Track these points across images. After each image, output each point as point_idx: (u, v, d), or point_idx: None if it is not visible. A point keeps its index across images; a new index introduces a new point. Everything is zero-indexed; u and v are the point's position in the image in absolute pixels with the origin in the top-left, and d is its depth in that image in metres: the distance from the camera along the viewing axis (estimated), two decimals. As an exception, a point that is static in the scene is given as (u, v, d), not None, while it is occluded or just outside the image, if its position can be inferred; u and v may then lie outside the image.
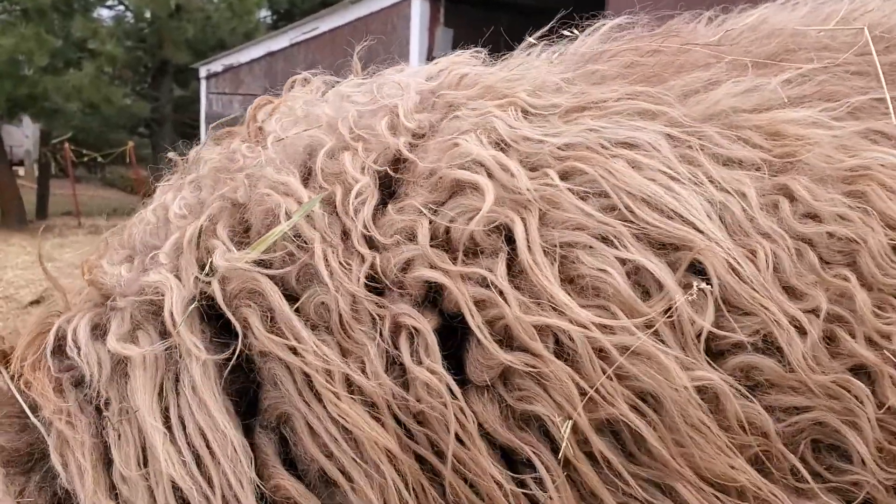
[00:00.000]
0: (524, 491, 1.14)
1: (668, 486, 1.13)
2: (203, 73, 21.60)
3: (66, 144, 20.56)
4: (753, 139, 1.31)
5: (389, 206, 1.26)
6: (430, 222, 1.22)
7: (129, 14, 25.10)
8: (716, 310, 1.15)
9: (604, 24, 1.63)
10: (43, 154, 22.77)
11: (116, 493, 1.21)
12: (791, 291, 1.19)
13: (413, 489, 1.14)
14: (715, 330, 1.14)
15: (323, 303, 1.20)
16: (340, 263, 1.20)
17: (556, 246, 1.18)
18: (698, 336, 1.14)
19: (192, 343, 1.21)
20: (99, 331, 1.33)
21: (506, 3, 13.43)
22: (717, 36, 1.58)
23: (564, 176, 1.24)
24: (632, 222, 1.19)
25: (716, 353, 1.17)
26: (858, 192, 1.26)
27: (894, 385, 1.17)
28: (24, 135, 28.87)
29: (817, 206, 1.23)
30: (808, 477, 1.15)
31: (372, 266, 1.21)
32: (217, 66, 21.13)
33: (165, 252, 1.34)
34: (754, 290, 1.16)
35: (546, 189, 1.21)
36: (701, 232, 1.18)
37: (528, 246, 1.16)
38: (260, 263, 1.25)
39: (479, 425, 1.15)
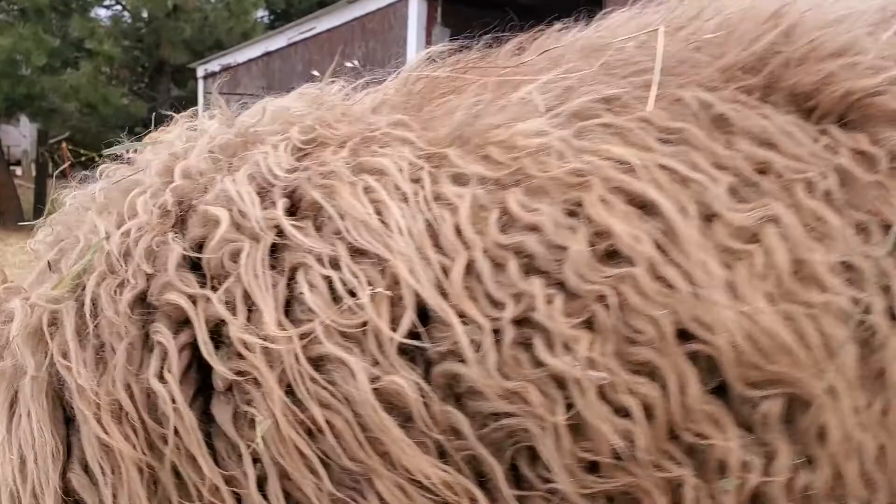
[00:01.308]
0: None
1: (368, 479, 1.26)
2: (200, 72, 21.61)
3: (64, 144, 20.55)
4: (493, 155, 1.39)
5: (157, 239, 1.43)
6: (183, 252, 1.40)
7: (126, 14, 25.12)
8: (421, 320, 1.27)
9: (429, 51, 1.76)
10: (40, 154, 22.75)
11: None
12: (491, 300, 1.27)
13: (149, 485, 1.33)
14: (404, 340, 1.26)
15: (98, 325, 1.39)
16: (111, 292, 1.39)
17: (283, 269, 1.34)
18: (392, 343, 1.26)
19: (27, 361, 1.40)
20: None
21: (503, 1, 13.44)
22: (523, 58, 1.67)
23: (311, 205, 1.40)
24: (350, 243, 1.33)
25: (429, 360, 1.28)
26: (576, 200, 1.31)
27: (581, 391, 1.23)
28: (21, 134, 28.82)
29: (527, 217, 1.30)
30: (503, 481, 1.24)
31: (141, 292, 1.39)
32: (214, 66, 21.14)
33: (28, 281, 1.58)
34: (443, 299, 1.27)
35: (276, 219, 1.37)
36: (394, 248, 1.30)
37: (253, 270, 1.33)
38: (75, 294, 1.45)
39: (218, 426, 1.32)
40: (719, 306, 1.23)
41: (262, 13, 27.65)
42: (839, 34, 1.45)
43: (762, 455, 1.25)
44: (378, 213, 1.34)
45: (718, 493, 1.25)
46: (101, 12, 24.26)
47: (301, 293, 1.30)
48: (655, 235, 1.28)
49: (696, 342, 1.24)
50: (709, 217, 1.30)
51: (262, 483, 1.30)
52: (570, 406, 1.23)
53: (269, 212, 1.37)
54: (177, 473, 1.32)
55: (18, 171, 26.85)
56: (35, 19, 20.02)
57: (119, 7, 24.82)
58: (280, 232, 1.36)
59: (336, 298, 1.29)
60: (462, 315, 1.26)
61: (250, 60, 19.97)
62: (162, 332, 1.34)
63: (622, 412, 1.23)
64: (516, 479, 1.27)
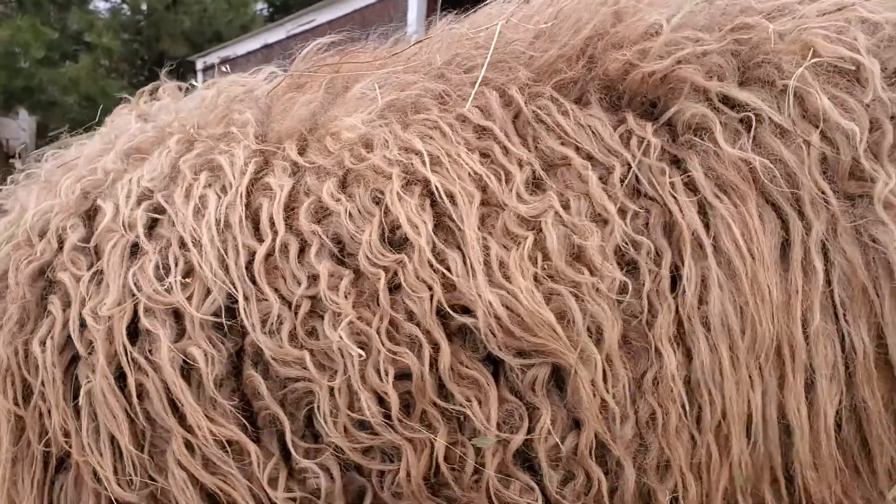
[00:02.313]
0: None
1: (169, 438, 1.44)
2: (200, 65, 21.58)
3: (63, 137, 20.55)
4: (329, 146, 1.55)
5: (66, 222, 1.61)
6: (81, 235, 1.58)
7: (125, 6, 25.15)
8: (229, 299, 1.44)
9: (313, 45, 1.86)
10: (40, 147, 22.77)
11: None
12: (294, 279, 1.43)
13: (14, 431, 1.52)
14: (205, 316, 1.43)
15: (3, 290, 1.59)
16: (18, 262, 1.57)
17: (143, 254, 1.50)
18: (195, 319, 1.43)
19: None
20: None
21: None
22: (394, 49, 1.82)
23: (167, 203, 1.56)
24: (179, 235, 1.50)
25: (242, 332, 1.44)
26: (381, 189, 1.46)
27: (350, 361, 1.38)
28: (20, 127, 28.90)
29: (334, 205, 1.45)
30: (290, 437, 1.40)
31: (44, 264, 1.57)
32: (214, 59, 21.09)
33: None
34: (245, 280, 1.43)
35: (135, 217, 1.54)
36: (207, 237, 1.48)
37: (113, 257, 1.50)
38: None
39: (80, 385, 1.48)
40: (481, 286, 1.37)
41: (261, 5, 27.62)
42: (645, 18, 1.55)
43: (527, 418, 1.39)
44: (201, 206, 1.51)
45: (476, 450, 1.39)
46: (100, 5, 24.54)
47: (135, 276, 1.48)
48: (441, 223, 1.42)
49: (462, 317, 1.38)
50: (498, 206, 1.43)
51: (97, 433, 1.47)
52: (345, 371, 1.39)
53: (134, 210, 1.55)
54: (41, 422, 1.50)
55: (17, 164, 26.92)
56: (33, 11, 20.07)
57: (118, -1, 24.83)
58: (132, 229, 1.54)
59: (157, 281, 1.47)
60: (261, 293, 1.43)
61: (250, 53, 19.93)
62: (54, 304, 1.52)
63: (384, 380, 1.38)
64: (313, 434, 1.43)
